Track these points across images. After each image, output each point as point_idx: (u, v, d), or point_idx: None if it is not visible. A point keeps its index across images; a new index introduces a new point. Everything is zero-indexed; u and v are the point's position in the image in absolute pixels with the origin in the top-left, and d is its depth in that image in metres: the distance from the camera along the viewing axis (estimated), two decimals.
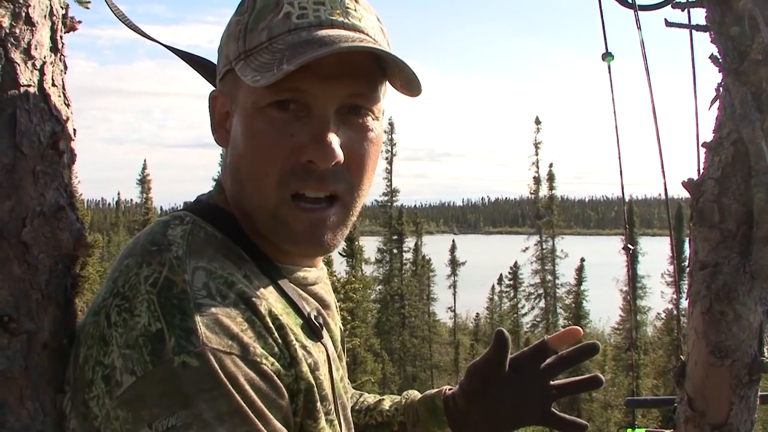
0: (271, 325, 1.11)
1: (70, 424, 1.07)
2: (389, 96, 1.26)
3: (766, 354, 1.79)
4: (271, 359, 1.07)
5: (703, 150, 1.86)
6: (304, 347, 1.16)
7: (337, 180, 1.17)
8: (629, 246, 2.58)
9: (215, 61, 1.36)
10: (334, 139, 1.14)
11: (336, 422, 1.22)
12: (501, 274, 47.75)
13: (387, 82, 1.24)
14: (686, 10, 1.93)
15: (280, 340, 1.11)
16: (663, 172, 2.06)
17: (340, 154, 1.14)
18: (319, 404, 1.16)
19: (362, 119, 1.20)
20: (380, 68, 1.20)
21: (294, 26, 1.14)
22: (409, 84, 1.19)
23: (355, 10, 1.19)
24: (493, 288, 46.19)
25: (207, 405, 0.97)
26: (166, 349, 0.99)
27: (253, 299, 1.11)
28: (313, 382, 1.15)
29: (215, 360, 1.00)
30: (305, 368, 1.14)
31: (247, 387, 1.01)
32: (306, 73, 1.09)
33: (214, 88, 1.31)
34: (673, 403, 1.99)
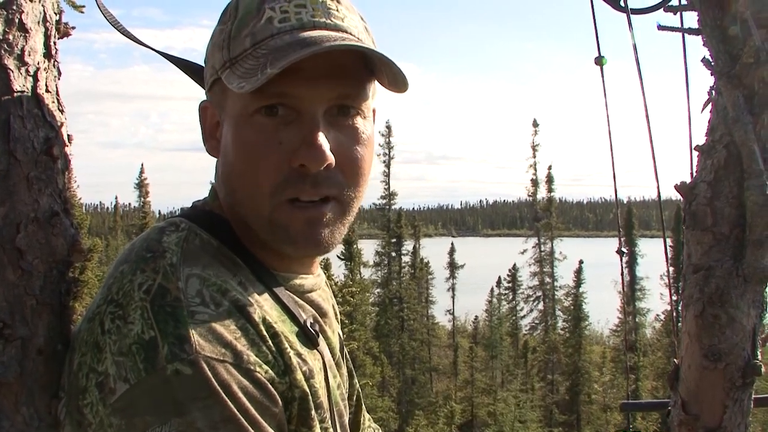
0: (264, 332, 1.10)
1: (65, 430, 1.07)
2: (387, 98, 1.26)
3: (759, 357, 1.79)
4: (265, 367, 1.07)
5: (695, 153, 1.86)
6: (299, 355, 1.16)
7: (330, 184, 1.17)
8: (623, 250, 2.58)
9: None
10: (324, 141, 1.14)
11: (331, 430, 1.22)
12: (499, 277, 47.64)
13: (375, 81, 1.23)
14: (678, 14, 1.94)
15: (274, 348, 1.11)
16: (656, 174, 2.07)
17: (330, 157, 1.14)
18: (313, 412, 1.16)
19: (351, 120, 1.20)
20: (366, 67, 1.20)
21: (277, 30, 1.14)
22: (395, 80, 1.19)
23: (337, 10, 1.19)
24: (491, 290, 46.02)
25: (200, 413, 0.97)
26: (159, 356, 0.99)
27: (247, 307, 1.10)
28: (308, 390, 1.15)
29: (208, 368, 1.00)
30: (300, 376, 1.14)
31: (241, 395, 1.01)
32: (291, 76, 1.09)
33: (203, 100, 1.31)
34: (667, 407, 1.99)
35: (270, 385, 1.06)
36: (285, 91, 1.12)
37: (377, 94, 1.27)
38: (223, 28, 1.20)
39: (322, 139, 1.14)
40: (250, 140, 1.15)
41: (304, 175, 1.14)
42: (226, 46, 1.17)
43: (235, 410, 0.99)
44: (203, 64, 1.41)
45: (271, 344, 1.11)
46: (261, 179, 1.15)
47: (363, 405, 1.59)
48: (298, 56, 1.07)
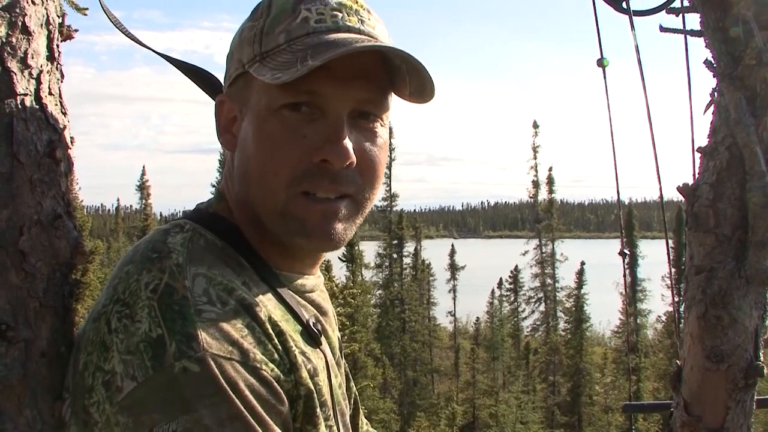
0: (270, 331, 1.11)
1: (70, 430, 1.07)
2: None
3: (762, 358, 1.79)
4: (271, 365, 1.08)
5: (698, 155, 1.86)
6: (303, 353, 1.17)
7: (348, 182, 1.19)
8: (625, 251, 2.58)
9: (212, 70, 1.38)
10: (348, 140, 1.16)
11: (335, 428, 1.23)
12: (501, 278, 47.53)
13: (392, 94, 1.25)
14: (681, 16, 1.94)
15: (279, 346, 1.12)
16: (658, 176, 2.07)
17: (353, 156, 1.16)
18: (318, 410, 1.17)
19: (371, 124, 1.22)
20: (389, 77, 1.22)
21: (312, 29, 1.16)
22: (422, 89, 1.21)
23: (369, 19, 1.22)
24: (493, 292, 45.95)
25: (208, 410, 0.98)
26: (167, 354, 1.00)
27: (253, 306, 1.11)
28: (313, 388, 1.16)
29: (216, 365, 1.00)
30: (305, 374, 1.15)
31: (247, 392, 1.02)
32: (321, 75, 1.11)
33: (218, 95, 1.32)
34: (669, 408, 1.99)
35: (276, 383, 1.07)
36: (314, 89, 1.14)
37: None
38: (254, 24, 1.22)
39: (346, 137, 1.15)
40: (274, 133, 1.16)
41: (324, 171, 1.16)
42: (258, 41, 1.19)
43: (242, 408, 1.00)
44: (205, 64, 1.43)
45: (277, 342, 1.12)
46: (280, 169, 1.16)
47: (360, 409, 1.60)
48: (340, 52, 1.09)
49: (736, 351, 1.76)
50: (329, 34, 1.15)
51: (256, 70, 1.17)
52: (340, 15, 1.18)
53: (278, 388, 1.08)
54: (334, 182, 1.17)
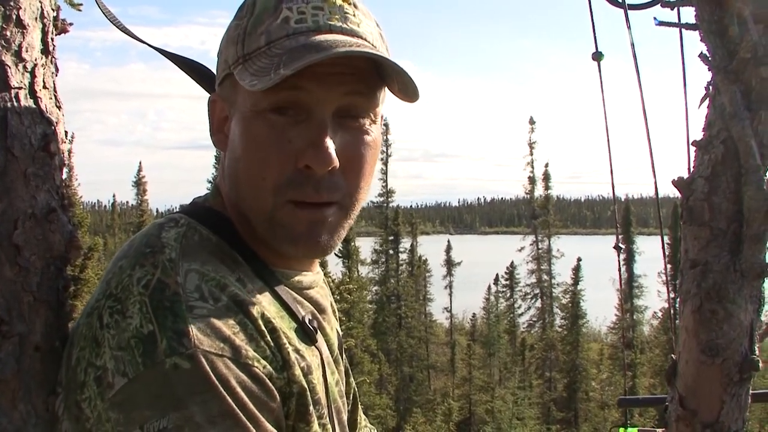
0: (263, 328, 1.11)
1: (63, 426, 1.07)
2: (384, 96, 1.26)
3: (757, 352, 1.79)
4: (263, 362, 1.07)
5: (693, 148, 1.86)
6: (297, 351, 1.16)
7: (333, 188, 1.17)
8: (620, 245, 2.59)
9: (207, 65, 1.37)
10: (330, 144, 1.14)
11: (329, 426, 1.22)
12: (497, 274, 47.63)
13: (385, 89, 1.23)
14: (676, 9, 1.94)
15: (272, 343, 1.11)
16: (653, 170, 2.07)
17: (335, 160, 1.14)
18: (311, 408, 1.16)
19: (359, 122, 1.20)
20: (378, 73, 1.20)
21: (292, 31, 1.14)
22: (406, 89, 1.19)
23: (354, 15, 1.19)
24: (489, 288, 46.08)
25: (198, 407, 0.98)
26: (158, 351, 1.00)
27: (246, 302, 1.11)
28: (306, 386, 1.15)
29: (207, 362, 1.00)
30: (298, 372, 1.14)
31: (239, 389, 1.01)
32: (305, 77, 1.09)
33: (213, 93, 1.30)
34: (664, 402, 1.99)
35: (268, 381, 1.07)
36: (296, 91, 1.12)
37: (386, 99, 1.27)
38: (239, 23, 1.20)
39: (329, 141, 1.14)
40: (260, 136, 1.15)
41: (308, 177, 1.15)
42: (241, 42, 1.18)
43: (233, 405, 1.00)
44: (202, 60, 1.42)
45: (270, 339, 1.11)
46: (267, 175, 1.15)
47: (359, 404, 1.60)
48: (311, 60, 1.07)
49: (731, 345, 1.76)
50: (309, 36, 1.13)
51: (238, 73, 1.15)
52: (322, 13, 1.16)
53: (270, 385, 1.07)
54: (318, 191, 1.16)
